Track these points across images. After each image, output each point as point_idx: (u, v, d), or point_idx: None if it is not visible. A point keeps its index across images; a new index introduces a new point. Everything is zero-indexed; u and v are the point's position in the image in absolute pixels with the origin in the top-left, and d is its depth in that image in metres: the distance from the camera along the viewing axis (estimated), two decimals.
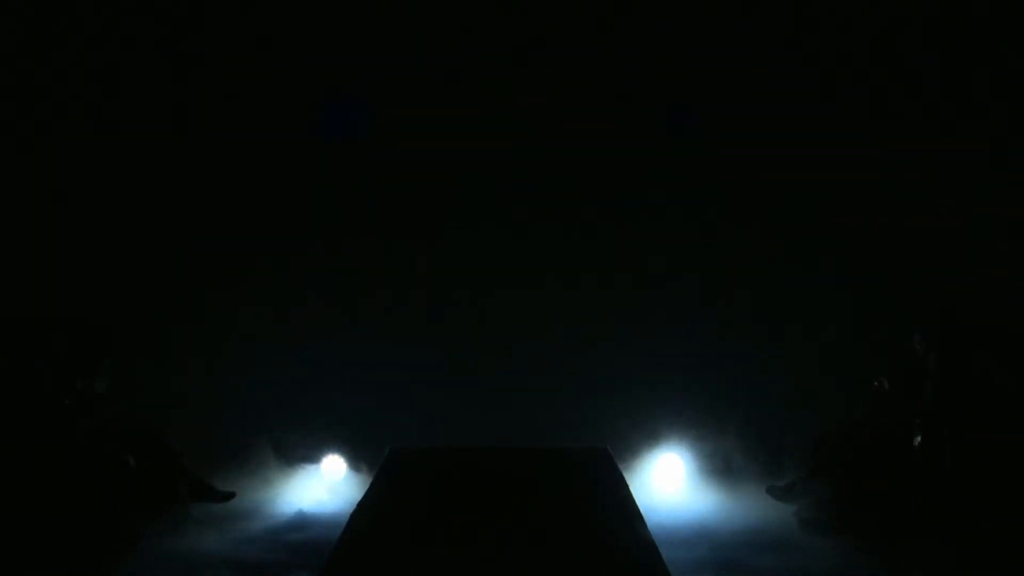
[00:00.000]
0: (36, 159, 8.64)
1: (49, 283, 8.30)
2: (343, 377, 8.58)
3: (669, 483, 8.15)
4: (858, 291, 8.63)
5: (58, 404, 6.94)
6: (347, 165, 8.88)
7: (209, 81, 8.76)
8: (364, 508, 6.55)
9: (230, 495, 7.54)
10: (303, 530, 7.28)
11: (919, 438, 6.99)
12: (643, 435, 8.38)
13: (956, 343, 7.15)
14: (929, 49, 8.61)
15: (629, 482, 7.14)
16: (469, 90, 8.82)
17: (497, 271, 8.91)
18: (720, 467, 8.18)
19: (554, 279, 8.90)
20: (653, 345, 8.66)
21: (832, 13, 8.65)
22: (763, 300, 8.71)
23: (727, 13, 8.67)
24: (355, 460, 8.35)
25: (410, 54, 8.78)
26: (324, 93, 8.85)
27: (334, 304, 8.85)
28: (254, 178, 8.79)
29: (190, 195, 8.75)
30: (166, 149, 8.75)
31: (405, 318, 8.88)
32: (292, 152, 8.83)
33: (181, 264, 8.72)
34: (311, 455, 8.38)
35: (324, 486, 8.18)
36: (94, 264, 8.54)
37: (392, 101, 8.85)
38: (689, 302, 8.77)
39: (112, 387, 7.30)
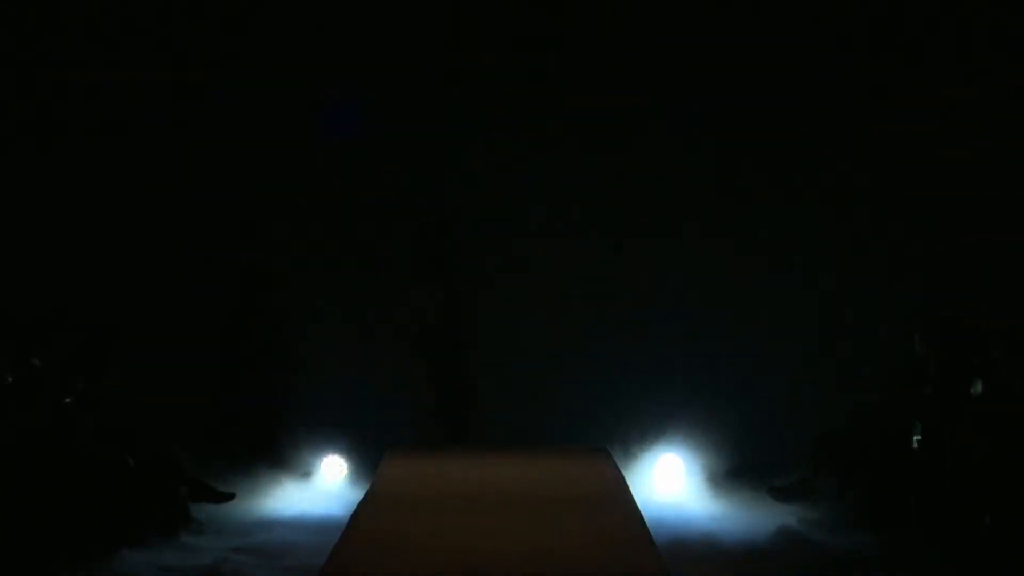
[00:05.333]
0: (36, 159, 8.64)
1: (50, 283, 8.31)
2: (342, 377, 8.58)
3: (669, 484, 8.14)
4: (859, 292, 8.63)
5: (59, 404, 6.94)
6: (347, 165, 8.87)
7: (211, 82, 8.77)
8: (364, 508, 6.54)
9: (229, 496, 7.55)
10: (301, 530, 7.28)
11: (919, 438, 6.99)
12: (644, 436, 8.38)
13: (957, 344, 7.15)
14: (934, 48, 8.62)
15: (629, 483, 7.13)
16: (471, 86, 8.84)
17: (498, 271, 8.91)
18: (720, 467, 8.17)
19: (555, 280, 8.90)
20: (654, 346, 8.66)
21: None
22: (764, 301, 8.71)
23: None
24: (355, 460, 8.34)
25: (410, 51, 8.79)
26: (321, 95, 8.86)
27: (334, 305, 8.84)
28: (253, 178, 8.79)
29: (192, 196, 8.75)
30: (167, 148, 8.75)
31: (405, 319, 8.87)
32: (291, 152, 8.83)
33: (182, 266, 8.72)
34: (311, 456, 8.38)
35: (323, 487, 8.17)
36: (95, 264, 8.54)
37: (391, 100, 8.86)
38: (690, 303, 8.76)
39: (113, 387, 7.30)
